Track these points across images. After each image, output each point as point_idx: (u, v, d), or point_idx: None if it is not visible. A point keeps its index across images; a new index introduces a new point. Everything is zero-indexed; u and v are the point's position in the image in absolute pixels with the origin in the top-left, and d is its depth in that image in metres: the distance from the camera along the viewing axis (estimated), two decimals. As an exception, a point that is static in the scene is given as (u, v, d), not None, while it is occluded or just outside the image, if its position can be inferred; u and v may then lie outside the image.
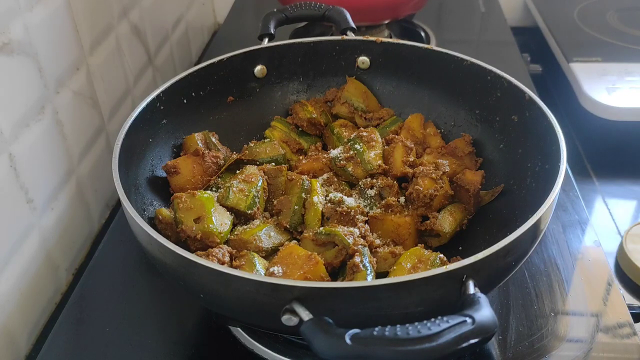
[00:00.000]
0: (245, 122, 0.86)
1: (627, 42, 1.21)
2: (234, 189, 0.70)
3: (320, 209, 0.69)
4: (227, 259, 0.63)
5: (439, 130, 0.83)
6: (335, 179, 0.76)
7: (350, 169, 0.75)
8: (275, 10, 0.90)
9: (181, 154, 0.77)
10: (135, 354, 0.66)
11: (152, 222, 0.67)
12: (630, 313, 0.68)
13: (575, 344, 0.65)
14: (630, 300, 0.75)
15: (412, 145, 0.78)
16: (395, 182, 0.74)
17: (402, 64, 0.85)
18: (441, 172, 0.73)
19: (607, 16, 1.32)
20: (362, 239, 0.65)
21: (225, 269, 0.49)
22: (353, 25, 0.88)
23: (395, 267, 0.62)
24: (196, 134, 0.77)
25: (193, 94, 0.79)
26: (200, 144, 0.76)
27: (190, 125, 0.79)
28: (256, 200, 0.70)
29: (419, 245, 0.67)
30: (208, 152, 0.75)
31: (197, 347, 0.66)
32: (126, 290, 0.73)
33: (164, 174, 0.73)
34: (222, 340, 0.67)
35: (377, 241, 0.67)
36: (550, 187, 0.57)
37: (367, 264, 0.61)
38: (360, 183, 0.75)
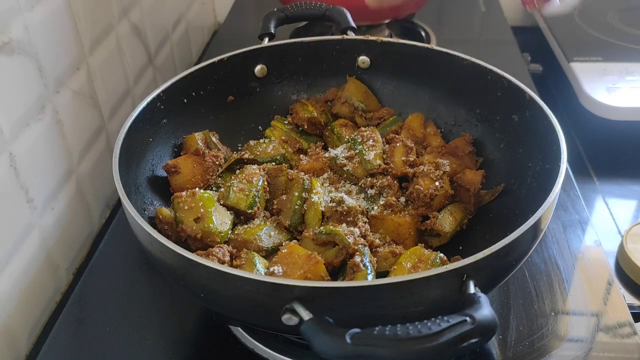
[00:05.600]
0: (246, 122, 0.86)
1: (628, 41, 1.21)
2: (235, 188, 0.70)
3: (321, 208, 0.69)
4: (227, 258, 0.63)
5: (439, 130, 0.83)
6: (336, 179, 0.76)
7: (350, 168, 0.75)
8: (275, 9, 0.90)
9: (181, 153, 0.77)
10: (135, 353, 0.66)
11: (153, 221, 0.67)
12: (631, 313, 0.68)
13: (575, 344, 0.65)
14: (631, 299, 0.75)
15: (413, 145, 0.78)
16: (395, 181, 0.74)
17: (403, 64, 0.85)
18: (441, 172, 0.73)
19: (608, 16, 1.32)
20: (362, 239, 0.65)
21: (225, 268, 0.49)
22: (353, 24, 0.88)
23: (395, 267, 0.62)
24: (196, 133, 0.77)
25: (193, 93, 0.79)
26: (200, 144, 0.76)
27: (190, 125, 0.79)
28: (256, 199, 0.70)
29: (419, 244, 0.67)
30: (208, 152, 0.75)
31: (197, 347, 0.66)
32: (126, 290, 0.73)
33: (165, 174, 0.73)
34: (222, 340, 0.67)
35: (378, 241, 0.67)
36: (551, 187, 0.57)
37: (368, 264, 0.61)
38: (360, 182, 0.75)
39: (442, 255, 0.62)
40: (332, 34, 1.05)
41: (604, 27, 1.27)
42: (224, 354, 0.66)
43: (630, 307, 0.70)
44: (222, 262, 0.62)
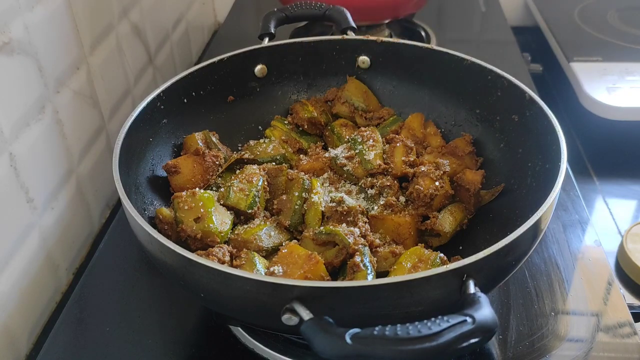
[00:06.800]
0: (246, 122, 0.86)
1: (628, 41, 1.21)
2: (235, 188, 0.70)
3: (321, 208, 0.69)
4: (227, 258, 0.63)
5: (439, 130, 0.83)
6: (336, 179, 0.76)
7: (350, 168, 0.75)
8: (275, 9, 0.90)
9: (182, 153, 0.77)
10: (135, 353, 0.66)
11: (153, 221, 0.67)
12: (631, 312, 0.68)
13: (575, 344, 0.65)
14: (631, 299, 0.75)
15: (413, 145, 0.78)
16: (395, 181, 0.74)
17: (403, 64, 0.85)
18: (442, 172, 0.73)
19: (608, 16, 1.32)
20: (362, 239, 0.65)
21: (225, 268, 0.49)
22: (353, 24, 0.88)
23: (395, 267, 0.62)
24: (196, 133, 0.77)
25: (193, 93, 0.79)
26: (200, 144, 0.76)
27: (190, 125, 0.79)
28: (256, 199, 0.70)
29: (419, 244, 0.67)
30: (208, 152, 0.75)
31: (197, 347, 0.66)
32: (126, 290, 0.73)
33: (165, 174, 0.73)
34: (222, 340, 0.67)
35: (378, 241, 0.67)
36: (551, 187, 0.57)
37: (368, 264, 0.61)
38: (360, 182, 0.75)
39: (442, 255, 0.62)
40: (332, 34, 1.05)
41: (604, 27, 1.27)
42: (224, 354, 0.66)
43: (630, 307, 0.70)
44: (222, 262, 0.62)
